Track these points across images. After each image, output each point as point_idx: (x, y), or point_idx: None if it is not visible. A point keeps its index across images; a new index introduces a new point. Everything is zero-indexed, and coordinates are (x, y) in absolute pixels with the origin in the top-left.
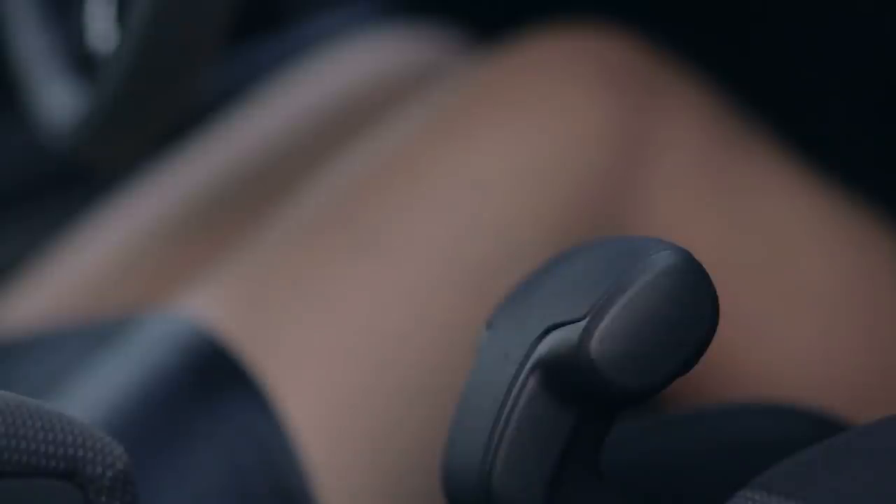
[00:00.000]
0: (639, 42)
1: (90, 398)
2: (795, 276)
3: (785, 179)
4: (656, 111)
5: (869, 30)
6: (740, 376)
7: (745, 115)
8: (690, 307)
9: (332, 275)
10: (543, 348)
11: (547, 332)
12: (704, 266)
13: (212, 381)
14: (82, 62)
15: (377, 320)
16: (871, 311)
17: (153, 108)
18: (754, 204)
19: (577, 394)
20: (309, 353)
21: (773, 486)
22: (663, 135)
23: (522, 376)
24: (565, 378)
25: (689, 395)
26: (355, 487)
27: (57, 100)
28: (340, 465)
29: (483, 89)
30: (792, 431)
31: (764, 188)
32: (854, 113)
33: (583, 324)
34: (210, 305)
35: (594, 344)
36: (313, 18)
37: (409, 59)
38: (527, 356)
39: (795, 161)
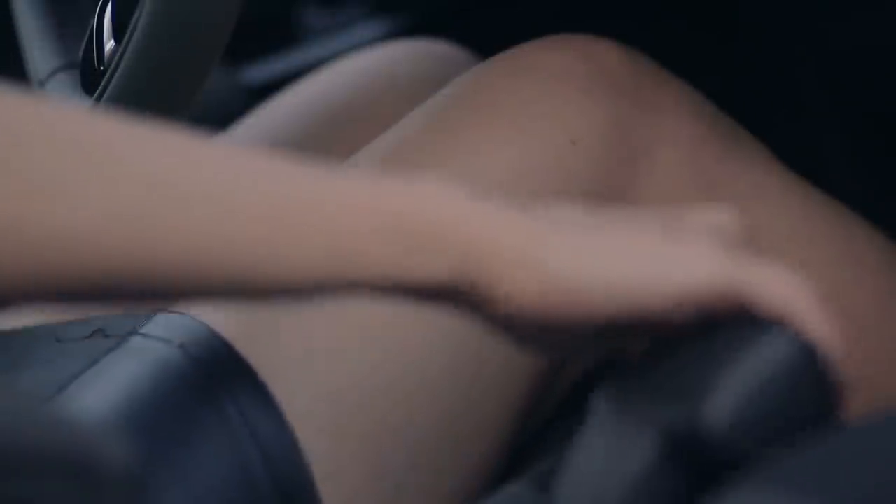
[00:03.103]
0: (634, 46)
1: (96, 395)
2: None
3: (776, 182)
4: (650, 113)
5: (861, 31)
6: None
7: (739, 117)
8: (806, 396)
9: None
10: (662, 415)
11: (668, 399)
12: None
13: (215, 377)
14: (84, 70)
15: (377, 319)
16: (865, 313)
17: (157, 113)
18: (745, 206)
19: (692, 461)
20: (309, 351)
21: (768, 482)
22: (660, 135)
23: (640, 441)
24: (683, 445)
25: None
26: (356, 484)
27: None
28: (341, 462)
29: (479, 91)
30: None
31: (758, 190)
32: (847, 114)
33: (704, 397)
34: (213, 306)
35: (712, 415)
36: (324, 39)
37: (412, 68)
38: (646, 422)
39: (788, 163)
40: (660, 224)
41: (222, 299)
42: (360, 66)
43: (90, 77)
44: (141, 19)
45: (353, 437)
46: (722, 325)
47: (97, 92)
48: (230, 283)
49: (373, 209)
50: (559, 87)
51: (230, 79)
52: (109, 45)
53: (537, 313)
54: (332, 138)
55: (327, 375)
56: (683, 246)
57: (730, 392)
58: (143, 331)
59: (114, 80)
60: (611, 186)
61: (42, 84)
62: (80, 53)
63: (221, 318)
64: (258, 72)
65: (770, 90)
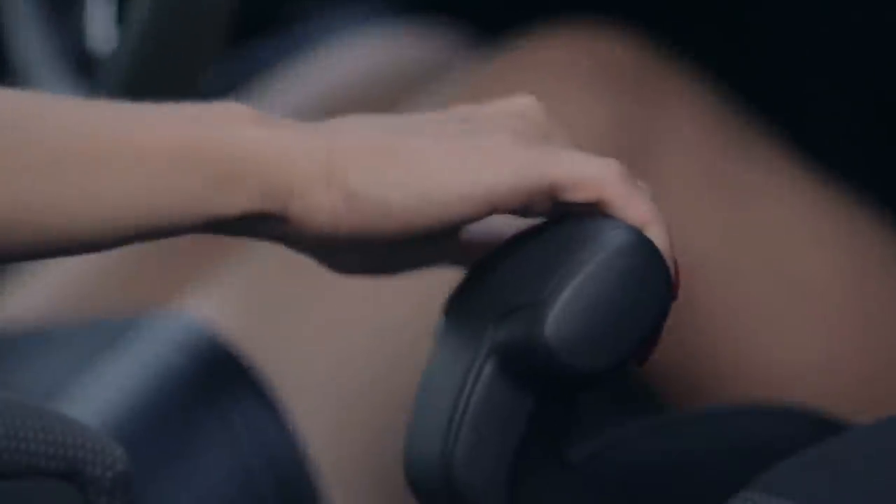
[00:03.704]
0: (637, 40)
1: (98, 399)
2: (794, 276)
3: (784, 178)
4: (656, 108)
5: (864, 28)
6: (740, 377)
7: (743, 112)
8: (644, 286)
9: (333, 274)
10: (499, 333)
11: (502, 316)
12: (699, 262)
13: (219, 381)
14: (83, 63)
15: (378, 319)
16: (871, 311)
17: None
18: (753, 202)
19: (535, 377)
20: (312, 353)
21: (772, 487)
22: (663, 131)
23: (479, 361)
24: (522, 362)
25: (689, 396)
26: (359, 485)
27: None
28: (344, 464)
29: (484, 88)
30: (792, 433)
31: (763, 186)
32: (851, 110)
33: (537, 307)
34: (214, 307)
35: (549, 327)
36: (315, 19)
37: (411, 57)
38: (483, 341)
39: (793, 159)
40: (458, 123)
41: (30, 256)
42: (352, 61)
43: (90, 77)
44: (141, 18)
45: (355, 435)
46: (554, 221)
47: (97, 92)
48: (31, 235)
49: (161, 145)
50: (560, 86)
51: (223, 66)
52: (110, 44)
53: (347, 232)
54: None
55: (330, 375)
56: (486, 145)
57: (569, 305)
58: (146, 333)
59: (114, 80)
60: None
61: (35, 74)
62: (80, 53)
63: (224, 320)
64: (245, 54)
65: (775, 91)
